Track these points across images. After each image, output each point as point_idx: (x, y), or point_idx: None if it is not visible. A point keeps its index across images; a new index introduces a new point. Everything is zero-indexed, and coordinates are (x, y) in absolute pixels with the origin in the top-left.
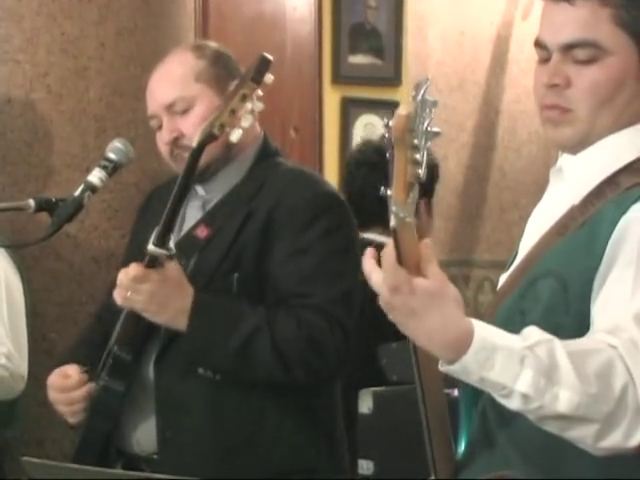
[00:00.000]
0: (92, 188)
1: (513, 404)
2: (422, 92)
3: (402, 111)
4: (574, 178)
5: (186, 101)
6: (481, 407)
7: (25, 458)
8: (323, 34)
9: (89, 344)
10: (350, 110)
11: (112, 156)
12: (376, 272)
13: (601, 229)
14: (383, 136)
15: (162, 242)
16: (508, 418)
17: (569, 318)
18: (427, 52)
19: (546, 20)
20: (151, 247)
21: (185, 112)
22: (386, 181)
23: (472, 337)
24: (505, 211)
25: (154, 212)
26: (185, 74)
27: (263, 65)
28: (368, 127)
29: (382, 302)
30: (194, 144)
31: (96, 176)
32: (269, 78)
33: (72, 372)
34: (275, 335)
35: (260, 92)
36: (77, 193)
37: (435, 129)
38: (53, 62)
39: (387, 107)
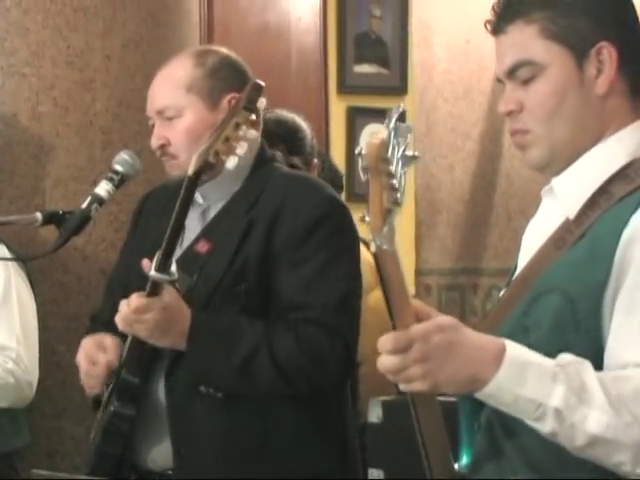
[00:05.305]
0: (99, 200)
1: (547, 426)
2: (394, 119)
3: (374, 140)
4: (565, 193)
5: (175, 110)
6: (485, 418)
7: (35, 470)
8: (328, 44)
9: (105, 323)
10: (356, 120)
11: (119, 168)
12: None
13: (603, 241)
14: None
15: (164, 267)
16: (515, 430)
17: (580, 336)
18: (433, 61)
19: (495, 55)
20: (153, 273)
21: (174, 119)
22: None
23: (504, 353)
24: (512, 219)
25: (149, 217)
26: (179, 83)
27: (254, 92)
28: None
29: (400, 374)
30: (189, 172)
31: (103, 188)
32: (262, 103)
33: (108, 344)
34: (274, 351)
35: (264, 102)
36: (84, 205)
37: (412, 153)
38: (59, 75)
39: None
